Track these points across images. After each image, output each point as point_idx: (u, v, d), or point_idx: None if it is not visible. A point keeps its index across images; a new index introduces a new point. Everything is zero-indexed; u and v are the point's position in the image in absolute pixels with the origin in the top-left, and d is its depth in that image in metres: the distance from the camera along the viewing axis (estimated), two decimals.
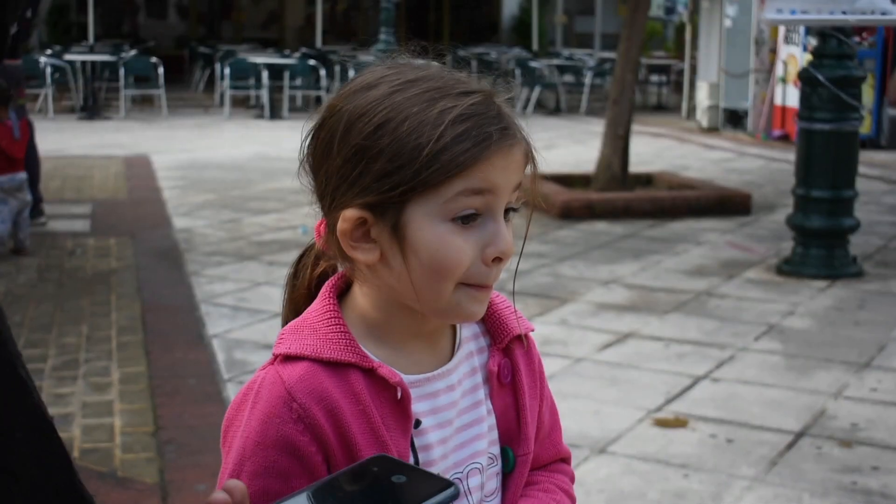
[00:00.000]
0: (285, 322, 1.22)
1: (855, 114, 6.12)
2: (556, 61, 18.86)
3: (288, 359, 1.13)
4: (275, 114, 15.80)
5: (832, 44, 6.09)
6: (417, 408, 1.15)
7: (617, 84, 8.78)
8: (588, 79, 17.83)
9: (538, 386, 1.27)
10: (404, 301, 1.14)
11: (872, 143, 12.25)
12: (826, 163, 6.13)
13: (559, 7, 24.99)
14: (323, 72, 16.61)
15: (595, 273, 6.19)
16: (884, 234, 7.46)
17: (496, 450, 1.23)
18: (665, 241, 7.22)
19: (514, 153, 1.13)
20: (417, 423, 1.16)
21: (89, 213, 7.82)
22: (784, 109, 13.31)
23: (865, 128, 11.64)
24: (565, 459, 1.34)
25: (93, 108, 15.30)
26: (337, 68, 17.10)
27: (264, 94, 15.87)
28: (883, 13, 6.12)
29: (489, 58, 18.30)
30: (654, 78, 19.38)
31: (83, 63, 15.75)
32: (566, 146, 12.60)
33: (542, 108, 17.73)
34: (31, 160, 6.87)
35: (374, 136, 1.10)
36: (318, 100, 17.14)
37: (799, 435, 3.70)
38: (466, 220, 1.11)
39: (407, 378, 1.15)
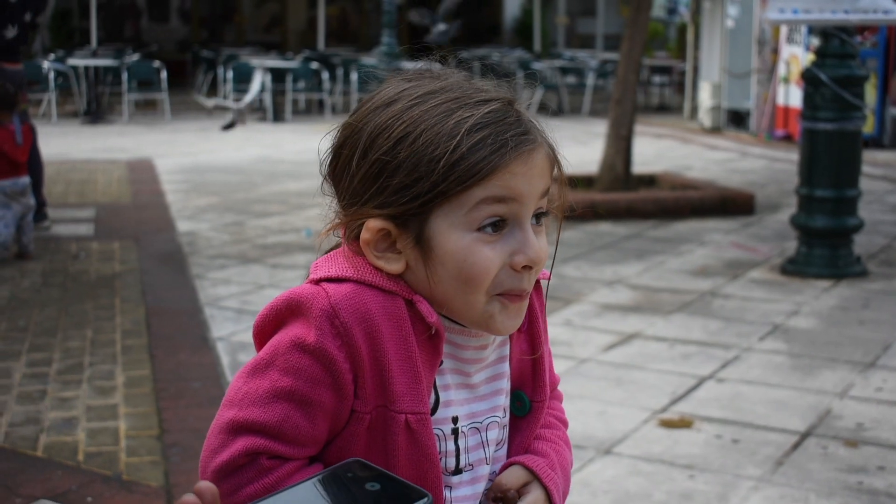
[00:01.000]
0: None
1: (858, 113, 6.11)
2: (558, 63, 18.86)
3: (330, 280, 1.14)
4: (277, 117, 15.81)
5: (835, 43, 6.08)
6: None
7: (619, 85, 8.77)
8: (590, 80, 17.83)
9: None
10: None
11: (875, 143, 12.25)
12: (829, 162, 6.13)
13: (561, 8, 25.00)
14: (325, 75, 16.62)
15: (599, 274, 6.19)
16: (887, 234, 7.45)
17: (508, 400, 1.25)
18: (669, 241, 7.22)
19: (535, 158, 1.14)
20: (440, 362, 1.17)
21: (93, 217, 7.82)
22: (787, 109, 13.30)
23: (868, 127, 11.63)
24: (556, 384, 1.38)
25: (96, 113, 15.32)
26: (339, 71, 17.12)
27: (267, 98, 15.89)
28: (885, 12, 6.12)
29: (491, 60, 18.31)
30: (657, 78, 19.38)
31: (86, 67, 15.78)
32: (569, 147, 12.33)
33: (544, 109, 17.72)
34: (34, 164, 6.88)
35: (394, 151, 1.11)
36: (321, 103, 17.16)
37: (804, 435, 3.69)
38: (494, 229, 1.12)
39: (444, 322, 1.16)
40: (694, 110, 16.11)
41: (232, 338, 4.78)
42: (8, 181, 6.21)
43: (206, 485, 0.94)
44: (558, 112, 17.57)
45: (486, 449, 1.22)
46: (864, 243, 6.75)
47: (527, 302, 1.17)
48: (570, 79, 18.44)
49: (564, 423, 1.36)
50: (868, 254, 6.64)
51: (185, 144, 12.70)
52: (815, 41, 7.28)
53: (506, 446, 1.26)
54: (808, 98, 6.21)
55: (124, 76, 15.69)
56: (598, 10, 24.90)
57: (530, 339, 1.26)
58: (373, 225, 1.13)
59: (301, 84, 16.59)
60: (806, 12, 6.12)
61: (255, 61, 16.57)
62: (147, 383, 4.15)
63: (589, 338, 4.87)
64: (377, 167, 1.11)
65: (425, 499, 0.91)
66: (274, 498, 0.92)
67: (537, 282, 1.24)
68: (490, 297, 1.13)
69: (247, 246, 6.86)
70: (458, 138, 1.09)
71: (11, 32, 6.87)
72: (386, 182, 1.11)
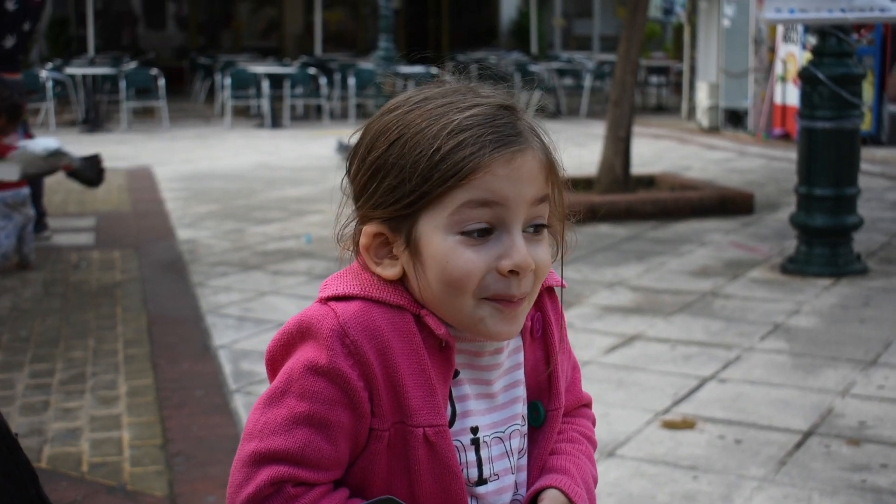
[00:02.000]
0: None
1: (856, 111, 6.12)
2: (555, 64, 18.87)
3: (338, 299, 1.15)
4: (276, 123, 15.82)
5: (831, 42, 6.09)
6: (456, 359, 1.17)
7: (617, 86, 8.78)
8: (587, 81, 17.84)
9: (565, 339, 1.31)
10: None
11: (873, 140, 12.26)
12: (828, 161, 6.13)
13: (557, 10, 25.02)
14: (323, 80, 16.63)
15: (599, 276, 6.19)
16: (887, 231, 7.45)
17: (525, 408, 1.25)
18: (669, 242, 7.23)
19: (519, 161, 1.13)
20: (456, 373, 1.17)
21: (93, 227, 7.83)
22: (784, 108, 13.32)
23: (866, 125, 11.65)
24: (587, 405, 1.37)
25: (94, 121, 15.33)
26: (337, 76, 17.12)
27: (265, 104, 15.89)
28: (882, 10, 6.13)
29: (488, 62, 18.32)
30: (654, 79, 19.39)
31: (84, 76, 15.79)
32: (567, 149, 12.56)
33: (541, 111, 17.71)
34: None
35: (387, 154, 1.13)
36: (319, 108, 17.16)
37: (807, 434, 3.70)
38: (481, 235, 1.12)
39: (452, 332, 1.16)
40: (692, 110, 16.13)
41: (234, 346, 4.78)
42: (8, 192, 6.21)
43: None
44: (556, 114, 17.58)
45: (511, 458, 1.22)
46: (864, 241, 6.75)
47: (524, 308, 1.16)
48: (568, 81, 18.45)
49: (591, 442, 1.34)
50: (868, 251, 6.65)
51: (183, 152, 12.71)
52: (812, 40, 7.29)
53: (526, 455, 1.26)
54: (805, 97, 6.22)
55: (122, 84, 15.70)
56: (594, 11, 24.91)
57: (545, 346, 1.26)
58: (369, 229, 1.15)
59: (299, 90, 16.60)
60: (802, 11, 6.13)
61: (257, 68, 16.59)
62: (150, 392, 4.16)
63: (590, 340, 4.87)
64: (373, 169, 1.14)
65: None
66: None
67: (552, 289, 1.25)
68: (478, 301, 1.12)
69: (247, 253, 6.87)
70: (440, 140, 1.10)
71: (10, 42, 6.87)
72: (379, 184, 1.13)
